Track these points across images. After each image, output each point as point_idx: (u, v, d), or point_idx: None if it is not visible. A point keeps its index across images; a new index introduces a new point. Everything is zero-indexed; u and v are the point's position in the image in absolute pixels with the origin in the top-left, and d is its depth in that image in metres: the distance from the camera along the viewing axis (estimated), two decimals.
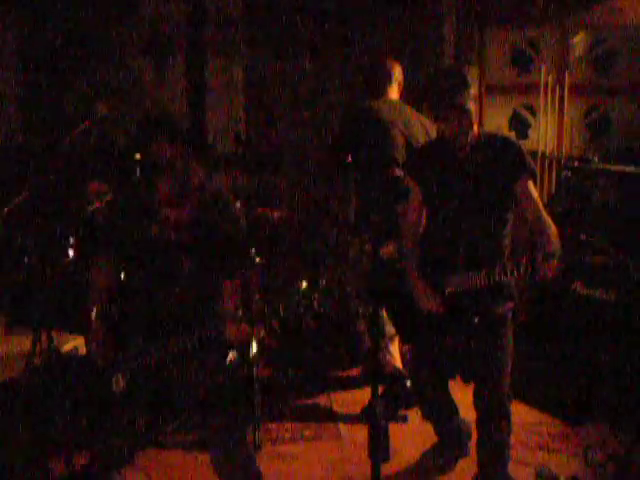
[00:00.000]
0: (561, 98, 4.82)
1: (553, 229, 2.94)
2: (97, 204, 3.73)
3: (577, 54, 4.94)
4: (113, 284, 3.02)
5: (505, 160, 2.98)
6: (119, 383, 2.87)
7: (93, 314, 2.93)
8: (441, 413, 3.43)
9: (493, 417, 3.14)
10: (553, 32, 4.97)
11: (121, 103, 5.45)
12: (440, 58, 5.16)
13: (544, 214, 2.99)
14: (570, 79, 4.82)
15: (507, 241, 3.07)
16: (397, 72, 4.18)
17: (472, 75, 5.05)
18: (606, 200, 4.26)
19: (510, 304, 3.08)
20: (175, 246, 2.88)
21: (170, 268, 2.88)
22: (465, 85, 2.92)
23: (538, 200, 3.02)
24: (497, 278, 2.87)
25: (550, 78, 4.82)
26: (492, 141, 3.03)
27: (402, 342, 4.08)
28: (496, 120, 5.10)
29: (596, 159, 4.51)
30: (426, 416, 3.47)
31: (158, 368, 2.86)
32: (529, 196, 2.99)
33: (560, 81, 4.83)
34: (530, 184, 3.00)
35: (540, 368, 4.15)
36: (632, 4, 4.78)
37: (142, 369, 2.86)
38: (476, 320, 3.00)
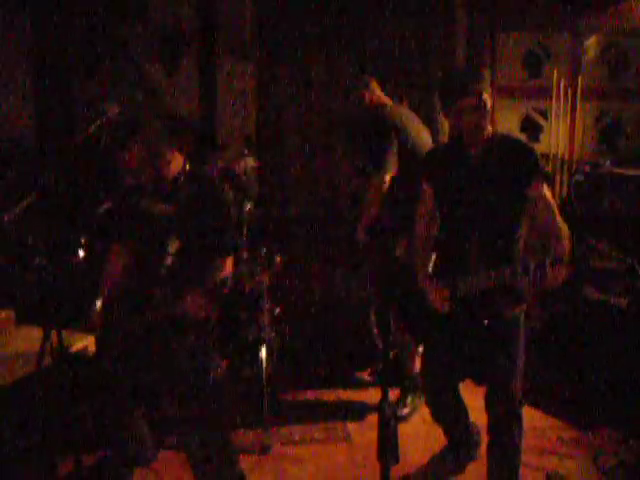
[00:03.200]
0: (573, 102, 4.81)
1: (566, 232, 2.88)
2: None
3: (589, 58, 4.93)
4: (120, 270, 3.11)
5: (517, 164, 2.93)
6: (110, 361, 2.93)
7: (98, 306, 2.99)
8: (451, 416, 3.41)
9: (505, 421, 3.11)
10: (565, 36, 4.97)
11: (132, 105, 5.47)
12: (452, 61, 5.16)
13: (558, 218, 2.93)
14: (582, 83, 4.80)
15: (520, 245, 3.03)
16: None
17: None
18: (617, 204, 4.24)
19: (522, 306, 3.05)
20: (162, 223, 2.94)
21: (157, 245, 2.93)
22: (482, 76, 2.96)
23: (553, 203, 2.95)
24: (507, 281, 2.82)
25: (562, 82, 4.80)
26: (505, 143, 2.98)
27: (414, 342, 4.07)
28: (507, 123, 5.09)
29: (608, 163, 4.49)
30: (435, 418, 3.45)
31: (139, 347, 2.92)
32: (544, 200, 2.93)
33: (572, 85, 4.82)
34: (544, 187, 2.94)
35: (551, 373, 4.14)
36: None
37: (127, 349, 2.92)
38: (485, 323, 2.98)
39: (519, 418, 3.11)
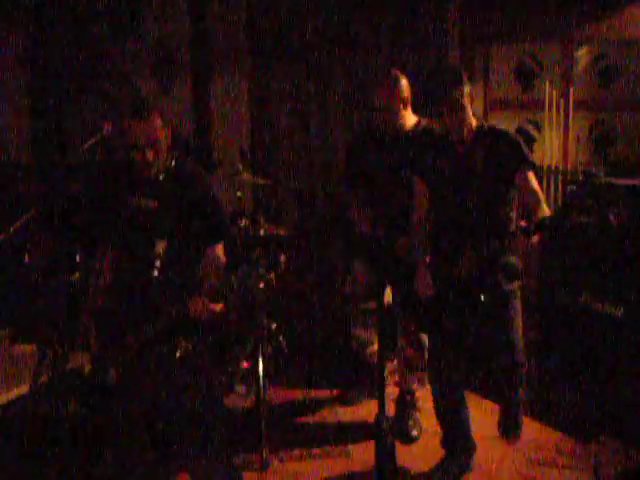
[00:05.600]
0: (566, 113, 4.82)
1: (547, 213, 3.03)
2: None
3: (581, 68, 4.95)
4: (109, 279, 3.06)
5: (504, 153, 3.11)
6: (113, 376, 2.88)
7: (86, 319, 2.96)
8: (455, 416, 3.46)
9: (510, 384, 3.36)
10: (557, 47, 4.99)
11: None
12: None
13: (543, 204, 3.09)
14: (574, 94, 4.82)
15: (511, 228, 3.17)
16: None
17: (476, 91, 5.09)
18: (612, 214, 4.24)
19: (517, 283, 3.23)
20: (148, 220, 2.94)
21: (145, 245, 2.91)
22: (459, 82, 3.06)
23: (538, 189, 3.14)
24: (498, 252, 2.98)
25: (554, 93, 4.81)
26: (491, 134, 3.16)
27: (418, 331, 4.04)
28: None
29: (602, 173, 4.50)
30: (441, 417, 3.51)
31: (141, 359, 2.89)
32: (529, 186, 3.12)
33: (564, 96, 4.83)
34: (529, 174, 3.12)
35: (549, 384, 4.13)
36: (635, 18, 4.79)
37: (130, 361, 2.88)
38: (483, 298, 3.09)
39: (522, 380, 3.35)
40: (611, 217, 4.08)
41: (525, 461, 3.59)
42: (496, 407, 3.98)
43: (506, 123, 5.16)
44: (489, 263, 3.02)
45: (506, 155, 3.11)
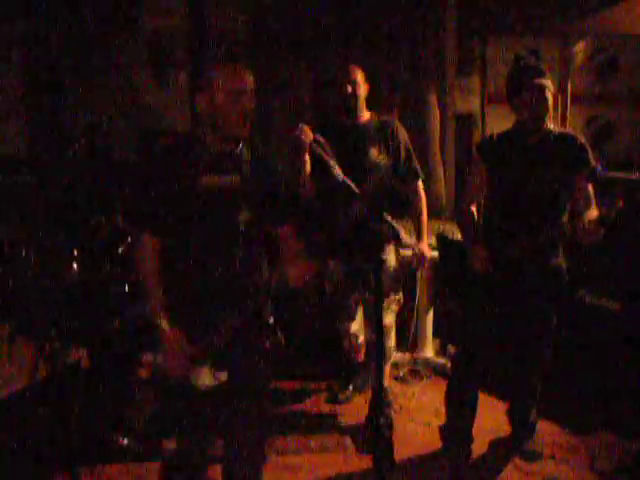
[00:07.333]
0: (563, 107, 4.83)
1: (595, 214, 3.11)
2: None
3: (578, 63, 4.95)
4: (159, 264, 2.55)
5: (569, 154, 3.21)
6: (204, 377, 2.58)
7: (157, 313, 2.51)
8: (465, 410, 3.51)
9: (532, 366, 3.49)
10: (554, 41, 4.99)
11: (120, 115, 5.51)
12: (441, 68, 5.17)
13: (593, 209, 3.15)
14: (572, 88, 4.83)
15: (563, 227, 3.24)
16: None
17: (473, 84, 5.10)
18: (609, 207, 4.24)
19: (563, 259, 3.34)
20: (229, 194, 2.55)
21: (225, 222, 2.55)
22: (544, 71, 3.19)
23: (592, 194, 3.22)
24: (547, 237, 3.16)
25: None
26: (562, 136, 3.26)
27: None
28: (498, 129, 5.09)
29: (599, 167, 4.51)
30: (447, 410, 3.56)
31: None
32: (584, 190, 3.22)
33: (562, 90, 4.84)
34: (588, 183, 3.22)
35: (546, 377, 4.14)
36: (631, 13, 4.79)
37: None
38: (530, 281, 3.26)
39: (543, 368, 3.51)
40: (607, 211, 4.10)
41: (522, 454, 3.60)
42: (495, 401, 4.01)
43: (503, 117, 5.16)
44: (540, 250, 3.20)
45: (570, 156, 3.21)
